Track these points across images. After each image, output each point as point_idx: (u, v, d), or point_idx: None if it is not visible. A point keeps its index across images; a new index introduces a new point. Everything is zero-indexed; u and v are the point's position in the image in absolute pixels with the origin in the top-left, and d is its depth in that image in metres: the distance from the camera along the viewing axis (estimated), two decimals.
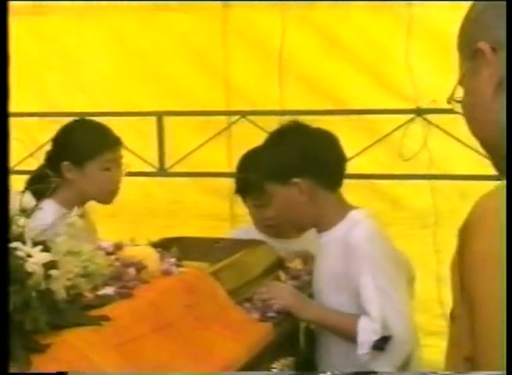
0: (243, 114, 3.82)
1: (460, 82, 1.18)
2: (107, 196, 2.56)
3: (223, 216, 4.11)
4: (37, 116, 4.16)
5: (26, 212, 1.56)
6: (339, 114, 3.62)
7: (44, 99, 4.30)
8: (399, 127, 3.39)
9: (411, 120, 3.34)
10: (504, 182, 1.08)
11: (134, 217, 4.26)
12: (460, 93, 1.18)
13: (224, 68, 4.00)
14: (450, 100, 1.20)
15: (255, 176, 2.24)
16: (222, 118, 4.09)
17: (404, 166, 3.40)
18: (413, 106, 3.32)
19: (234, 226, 4.08)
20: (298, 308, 2.09)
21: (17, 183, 1.87)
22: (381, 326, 1.98)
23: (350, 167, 3.60)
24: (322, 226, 2.16)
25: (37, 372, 1.33)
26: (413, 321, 2.08)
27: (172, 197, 4.19)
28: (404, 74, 3.29)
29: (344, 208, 2.18)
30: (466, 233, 1.09)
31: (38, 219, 1.57)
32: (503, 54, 1.11)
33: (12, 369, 1.33)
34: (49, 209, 1.89)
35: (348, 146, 3.53)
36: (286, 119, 3.46)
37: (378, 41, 3.43)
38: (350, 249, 2.04)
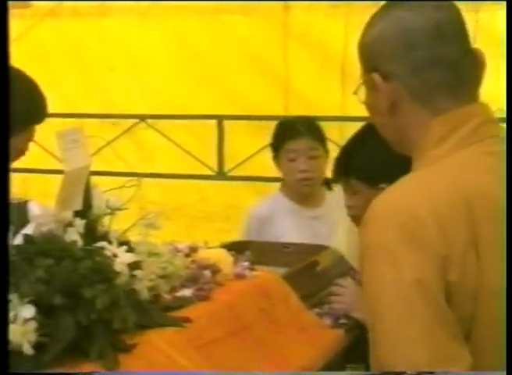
0: None
1: (359, 84, 1.37)
2: (296, 186, 2.75)
3: None
4: (97, 118, 4.22)
5: (111, 212, 1.58)
6: None
7: (105, 101, 4.35)
8: None
9: None
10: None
11: (190, 220, 4.28)
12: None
13: (284, 72, 4.01)
14: (356, 92, 1.38)
15: (345, 172, 2.25)
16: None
17: None
18: None
19: None
20: (359, 313, 2.04)
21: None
22: None
23: None
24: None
25: (46, 372, 1.33)
26: None
27: (229, 201, 4.21)
28: None
29: None
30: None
31: None
32: (395, 82, 1.29)
33: (100, 368, 1.34)
34: None
35: None
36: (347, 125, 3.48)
37: None
38: None
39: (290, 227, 2.72)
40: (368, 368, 1.98)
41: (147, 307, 1.51)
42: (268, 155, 4.09)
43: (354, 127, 3.69)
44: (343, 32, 3.69)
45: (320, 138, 2.79)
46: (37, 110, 2.14)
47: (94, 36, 4.37)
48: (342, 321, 2.00)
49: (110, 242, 1.51)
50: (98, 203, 1.57)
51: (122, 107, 4.34)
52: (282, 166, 2.80)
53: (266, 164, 4.07)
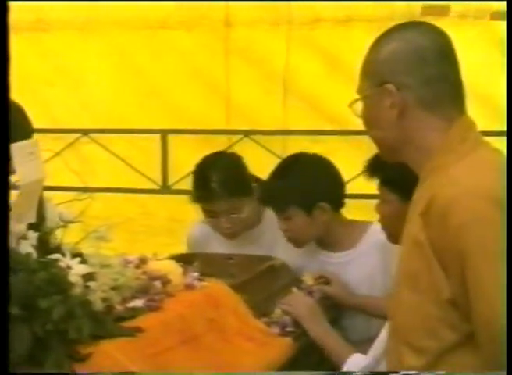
0: (247, 133, 3.87)
1: (360, 97, 1.59)
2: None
3: None
4: (38, 132, 4.18)
5: (64, 225, 1.60)
6: (341, 134, 3.69)
7: (45, 115, 4.32)
8: None
9: None
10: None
11: (133, 234, 4.27)
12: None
13: (225, 87, 4.05)
14: (351, 105, 1.63)
15: (280, 200, 2.40)
16: (223, 137, 4.13)
17: None
18: None
19: None
20: (306, 320, 2.15)
21: None
22: (372, 363, 1.97)
23: (351, 187, 3.66)
24: (343, 245, 2.43)
25: (42, 372, 1.35)
26: None
27: (172, 215, 4.22)
28: None
29: (357, 225, 2.46)
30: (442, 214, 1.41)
31: None
32: (406, 92, 1.52)
33: None
34: None
35: (349, 166, 3.59)
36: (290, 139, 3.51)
37: None
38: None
39: (225, 251, 2.61)
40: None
41: (101, 317, 1.53)
42: None
43: (296, 141, 3.79)
44: (285, 47, 3.76)
45: (241, 193, 2.52)
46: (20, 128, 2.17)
47: (33, 51, 4.34)
48: (289, 329, 2.05)
49: (63, 254, 1.53)
50: (51, 216, 1.59)
51: (64, 122, 4.32)
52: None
53: None
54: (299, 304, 2.18)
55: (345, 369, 2.01)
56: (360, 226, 2.46)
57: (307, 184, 2.37)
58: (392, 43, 1.55)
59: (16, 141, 2.10)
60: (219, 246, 2.63)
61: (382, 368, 1.83)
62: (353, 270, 2.40)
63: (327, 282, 2.38)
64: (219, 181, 2.47)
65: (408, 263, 1.52)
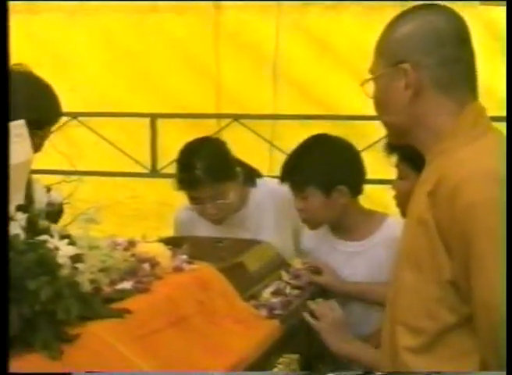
0: (236, 117, 3.88)
1: (374, 77, 1.56)
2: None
3: None
4: None
5: (53, 207, 1.60)
6: (330, 119, 3.70)
7: None
8: None
9: None
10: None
11: (122, 218, 4.28)
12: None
13: (215, 71, 4.05)
14: (363, 85, 1.58)
15: (300, 179, 2.38)
16: (212, 121, 4.14)
17: (394, 172, 3.46)
18: None
19: None
20: (330, 336, 2.13)
21: None
22: None
23: None
24: (356, 234, 2.41)
25: (40, 372, 1.36)
26: None
27: (161, 199, 4.23)
28: None
29: (374, 216, 2.46)
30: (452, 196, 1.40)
31: None
32: (422, 71, 1.50)
33: (45, 357, 1.37)
34: None
35: None
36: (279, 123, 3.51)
37: (370, 48, 3.49)
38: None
39: (212, 235, 2.59)
40: (301, 358, 2.05)
41: (89, 299, 1.53)
42: None
43: (286, 125, 3.80)
44: (275, 32, 3.76)
45: (225, 178, 2.49)
46: (50, 111, 2.19)
47: (22, 33, 4.32)
48: (277, 312, 2.06)
49: (52, 236, 1.54)
50: (40, 198, 1.59)
51: None
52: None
53: None
54: (325, 318, 2.14)
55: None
56: (376, 217, 2.43)
57: (328, 165, 2.35)
58: (409, 23, 1.53)
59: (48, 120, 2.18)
60: (206, 230, 2.61)
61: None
62: (361, 262, 2.38)
63: (317, 271, 2.37)
64: (203, 168, 2.44)
65: (411, 242, 1.51)
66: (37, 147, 2.09)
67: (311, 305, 2.18)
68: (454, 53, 1.51)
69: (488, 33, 3.38)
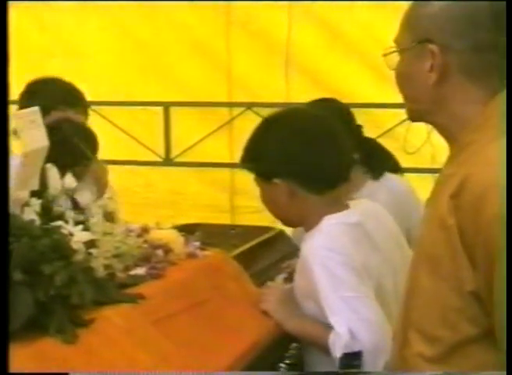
0: (249, 105, 3.87)
1: (399, 50, 1.42)
2: None
3: (223, 207, 4.16)
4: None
5: (68, 193, 1.62)
6: None
7: None
8: (403, 122, 3.45)
9: None
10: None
11: (135, 206, 4.29)
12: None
13: (227, 59, 4.04)
14: (386, 55, 1.44)
15: (246, 166, 2.05)
16: (224, 109, 4.14)
17: (407, 160, 3.46)
18: None
19: (234, 217, 4.13)
20: (279, 316, 1.93)
21: None
22: (349, 340, 1.77)
23: None
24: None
25: (39, 371, 1.36)
26: (386, 329, 1.78)
27: (174, 187, 4.24)
28: None
29: (326, 213, 1.92)
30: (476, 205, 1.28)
31: None
32: (450, 55, 1.37)
33: (59, 341, 1.38)
34: None
35: None
36: None
37: (382, 35, 3.48)
38: (302, 261, 1.90)
39: None
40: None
41: (103, 284, 1.55)
42: (211, 142, 4.15)
43: None
44: (287, 20, 3.75)
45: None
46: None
47: (34, 23, 4.33)
48: None
49: (66, 222, 1.55)
50: (54, 184, 1.60)
51: None
52: None
53: (212, 150, 4.14)
54: (271, 299, 1.96)
55: (333, 352, 1.79)
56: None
57: (268, 152, 1.94)
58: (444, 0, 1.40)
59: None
60: None
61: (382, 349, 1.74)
62: None
63: None
64: None
65: (431, 246, 1.37)
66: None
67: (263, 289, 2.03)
68: (489, 39, 1.38)
69: None
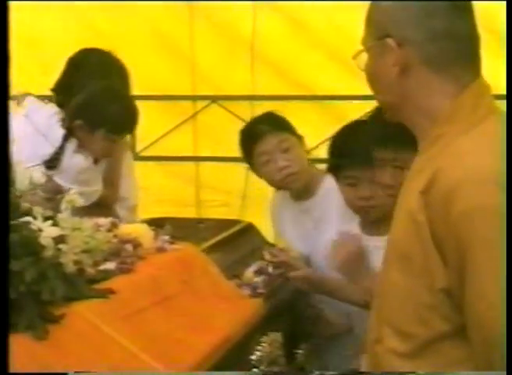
0: (214, 99, 3.85)
1: (363, 49, 1.42)
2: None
3: (189, 201, 4.13)
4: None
5: (35, 188, 1.59)
6: (308, 100, 3.69)
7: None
8: (367, 114, 3.45)
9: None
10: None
11: None
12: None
13: (190, 52, 4.00)
14: (356, 57, 1.45)
15: None
16: (188, 103, 4.11)
17: None
18: None
19: (200, 211, 4.11)
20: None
21: None
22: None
23: (318, 153, 3.66)
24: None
25: (41, 372, 1.35)
26: None
27: (140, 182, 4.19)
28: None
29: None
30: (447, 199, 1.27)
31: None
32: (409, 48, 1.35)
33: (31, 338, 1.36)
34: None
35: (316, 132, 3.59)
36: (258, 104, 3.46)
37: (347, 28, 3.48)
38: None
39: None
40: (284, 336, 2.06)
41: (73, 279, 1.52)
42: (179, 134, 4.11)
43: (265, 106, 3.77)
44: (252, 12, 3.73)
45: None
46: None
47: None
48: (260, 291, 2.07)
49: (34, 217, 1.52)
50: (21, 179, 1.57)
51: (23, 87, 4.24)
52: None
53: (176, 144, 4.10)
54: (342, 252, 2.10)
55: None
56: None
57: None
58: None
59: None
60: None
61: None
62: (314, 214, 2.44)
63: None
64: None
65: (402, 243, 1.36)
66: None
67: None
68: (445, 26, 1.35)
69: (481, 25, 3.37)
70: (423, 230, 1.30)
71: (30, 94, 2.74)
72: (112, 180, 2.66)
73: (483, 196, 1.25)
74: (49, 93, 4.10)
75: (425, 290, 1.32)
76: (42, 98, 3.91)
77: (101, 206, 2.52)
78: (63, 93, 2.62)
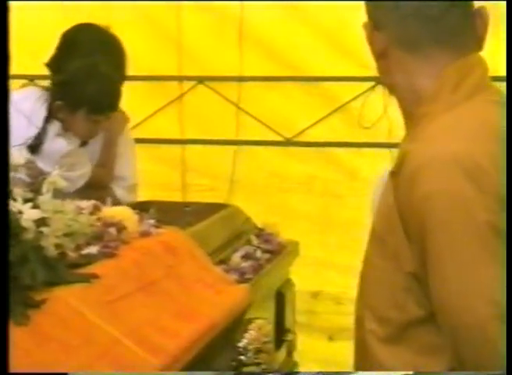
0: (201, 79, 3.79)
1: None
2: None
3: (174, 185, 4.07)
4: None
5: (15, 169, 1.53)
6: (297, 81, 3.63)
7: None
8: (359, 96, 3.41)
9: (372, 88, 3.37)
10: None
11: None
12: None
13: (177, 32, 3.94)
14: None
15: None
16: (174, 83, 4.04)
17: (363, 135, 3.43)
18: (373, 74, 3.35)
19: (185, 196, 4.05)
20: None
21: None
22: None
23: (308, 136, 3.62)
24: None
25: (40, 372, 1.30)
26: None
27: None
28: (364, 42, 3.31)
29: None
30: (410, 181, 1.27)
31: None
32: (384, 30, 1.38)
33: (12, 324, 1.31)
34: None
35: (306, 114, 3.55)
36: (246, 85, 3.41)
37: (338, 8, 3.42)
38: None
39: None
40: (274, 321, 2.03)
41: (54, 264, 1.47)
42: (164, 116, 4.05)
43: (253, 87, 3.72)
44: None
45: None
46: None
47: None
48: (248, 276, 2.03)
49: (15, 199, 1.47)
50: None
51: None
52: None
53: (162, 126, 4.04)
54: None
55: None
56: None
57: None
58: None
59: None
60: None
61: None
62: None
63: None
64: None
65: (378, 224, 1.38)
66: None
67: None
68: (410, 5, 1.35)
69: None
70: (392, 212, 1.31)
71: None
72: (105, 160, 2.59)
73: (444, 180, 1.25)
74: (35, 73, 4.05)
75: (399, 273, 1.32)
76: (30, 77, 3.86)
77: (97, 187, 2.48)
78: (53, 70, 2.56)
